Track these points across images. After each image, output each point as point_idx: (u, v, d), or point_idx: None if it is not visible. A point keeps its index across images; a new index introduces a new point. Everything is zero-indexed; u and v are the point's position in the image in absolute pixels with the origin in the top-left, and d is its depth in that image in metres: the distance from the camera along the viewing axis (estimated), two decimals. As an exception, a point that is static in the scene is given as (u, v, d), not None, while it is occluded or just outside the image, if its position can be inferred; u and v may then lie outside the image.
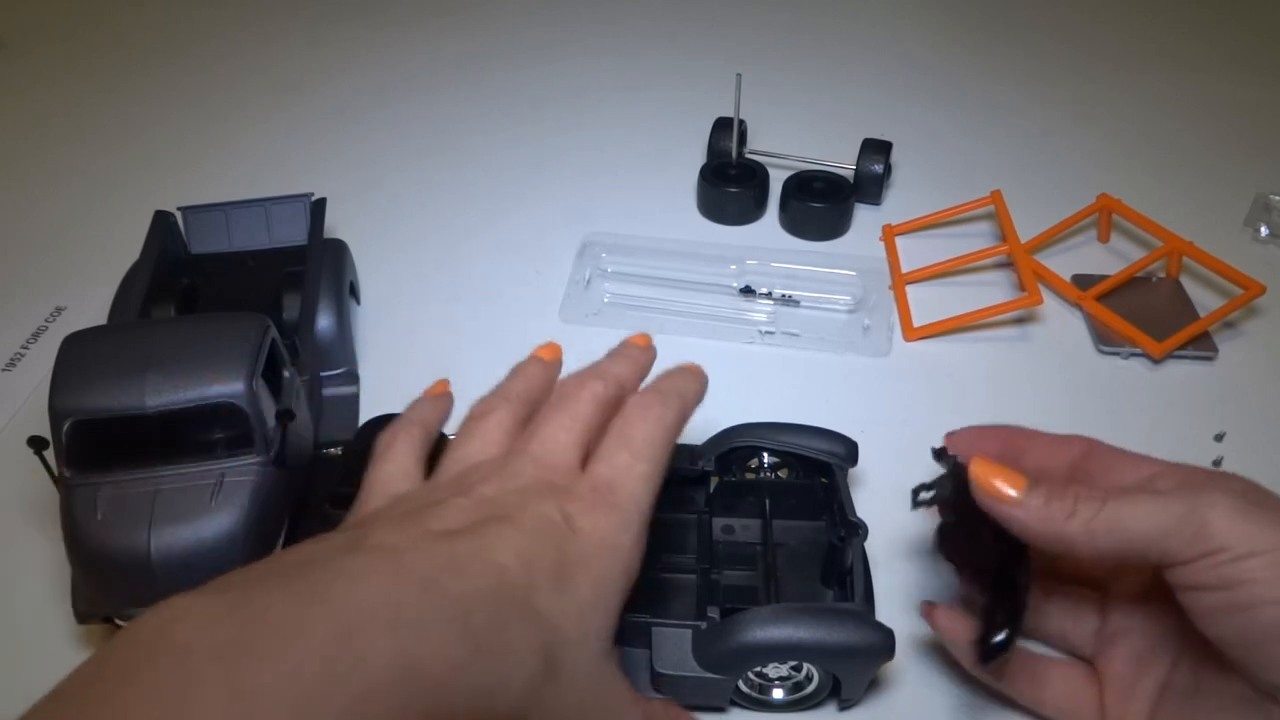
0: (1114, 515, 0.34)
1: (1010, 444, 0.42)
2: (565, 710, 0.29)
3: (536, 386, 0.39)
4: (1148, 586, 0.39)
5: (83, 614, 0.41)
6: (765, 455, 0.46)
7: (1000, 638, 0.35)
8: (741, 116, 0.68)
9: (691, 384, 0.40)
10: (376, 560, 0.28)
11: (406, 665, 0.25)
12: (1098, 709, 0.39)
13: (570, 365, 0.58)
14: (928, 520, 0.48)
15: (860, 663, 0.38)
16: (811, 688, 0.39)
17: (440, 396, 0.42)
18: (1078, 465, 0.40)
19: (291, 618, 0.25)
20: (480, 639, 0.27)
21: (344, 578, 0.27)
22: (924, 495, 0.39)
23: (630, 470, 0.35)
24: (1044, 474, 0.38)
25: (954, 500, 0.39)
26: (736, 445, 0.45)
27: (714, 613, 0.39)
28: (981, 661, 0.36)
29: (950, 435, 0.43)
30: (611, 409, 0.37)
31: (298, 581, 0.27)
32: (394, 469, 0.37)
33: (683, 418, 0.39)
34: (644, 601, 0.40)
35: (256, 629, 0.25)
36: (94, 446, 0.40)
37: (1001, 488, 0.36)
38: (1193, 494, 0.33)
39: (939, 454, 0.41)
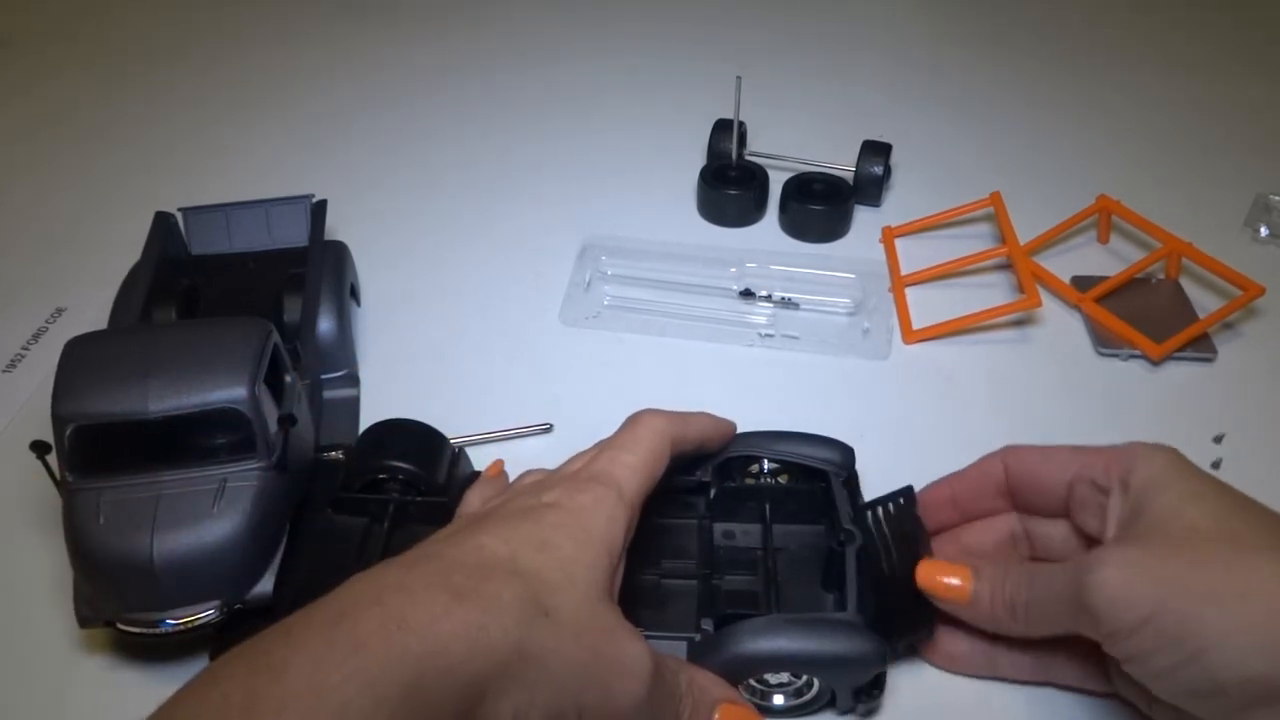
0: (1036, 611, 0.36)
1: (944, 506, 0.44)
2: (565, 643, 0.32)
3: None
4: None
5: (85, 618, 0.41)
6: (765, 461, 0.46)
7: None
8: (741, 118, 0.68)
9: (705, 417, 0.44)
10: (368, 571, 0.32)
11: (395, 620, 0.29)
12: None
13: (568, 366, 0.59)
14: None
15: (852, 672, 0.38)
16: (812, 694, 0.39)
17: (497, 477, 0.44)
18: (1003, 486, 0.42)
19: (299, 620, 0.30)
20: (461, 591, 0.31)
21: (344, 588, 0.32)
22: (870, 518, 0.41)
23: (613, 460, 0.38)
24: (980, 544, 0.42)
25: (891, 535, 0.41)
26: (733, 455, 0.45)
27: (708, 625, 0.39)
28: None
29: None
30: None
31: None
32: None
33: (681, 430, 0.41)
34: (643, 608, 0.41)
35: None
36: (96, 451, 0.40)
37: (950, 584, 0.39)
38: (1078, 568, 0.34)
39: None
